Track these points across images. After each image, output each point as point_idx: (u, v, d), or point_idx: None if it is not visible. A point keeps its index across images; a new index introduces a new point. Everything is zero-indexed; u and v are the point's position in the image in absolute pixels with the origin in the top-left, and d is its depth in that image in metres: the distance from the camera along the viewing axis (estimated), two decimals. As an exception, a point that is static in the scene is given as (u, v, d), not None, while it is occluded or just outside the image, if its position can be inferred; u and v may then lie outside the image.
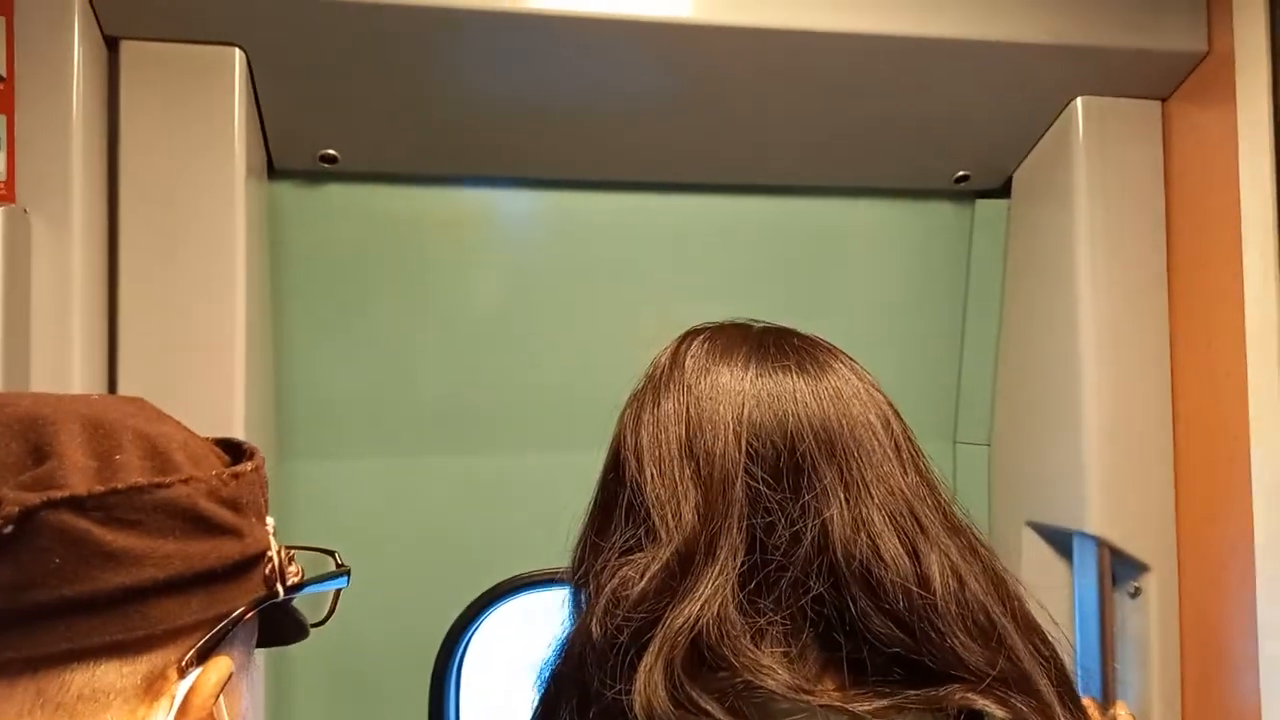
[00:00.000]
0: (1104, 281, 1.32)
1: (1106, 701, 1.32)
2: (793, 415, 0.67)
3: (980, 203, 1.54)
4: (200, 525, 0.53)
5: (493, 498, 1.43)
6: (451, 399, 1.42)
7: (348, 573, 0.72)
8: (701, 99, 1.29)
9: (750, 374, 0.69)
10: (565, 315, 1.45)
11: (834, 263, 1.53)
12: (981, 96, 1.33)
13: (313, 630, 0.76)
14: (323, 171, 1.31)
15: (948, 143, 1.43)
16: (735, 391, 0.68)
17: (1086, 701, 1.26)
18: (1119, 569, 1.35)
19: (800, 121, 1.35)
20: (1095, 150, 1.33)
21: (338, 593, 0.74)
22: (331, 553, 0.74)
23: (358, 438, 1.40)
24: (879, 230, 1.54)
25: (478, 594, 1.39)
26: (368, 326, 1.39)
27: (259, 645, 0.67)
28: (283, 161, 1.29)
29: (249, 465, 0.60)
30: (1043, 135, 1.39)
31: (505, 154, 1.36)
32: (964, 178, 1.48)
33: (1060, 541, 1.42)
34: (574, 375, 1.44)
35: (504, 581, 1.39)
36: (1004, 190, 1.51)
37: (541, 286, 1.45)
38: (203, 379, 1.08)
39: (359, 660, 1.39)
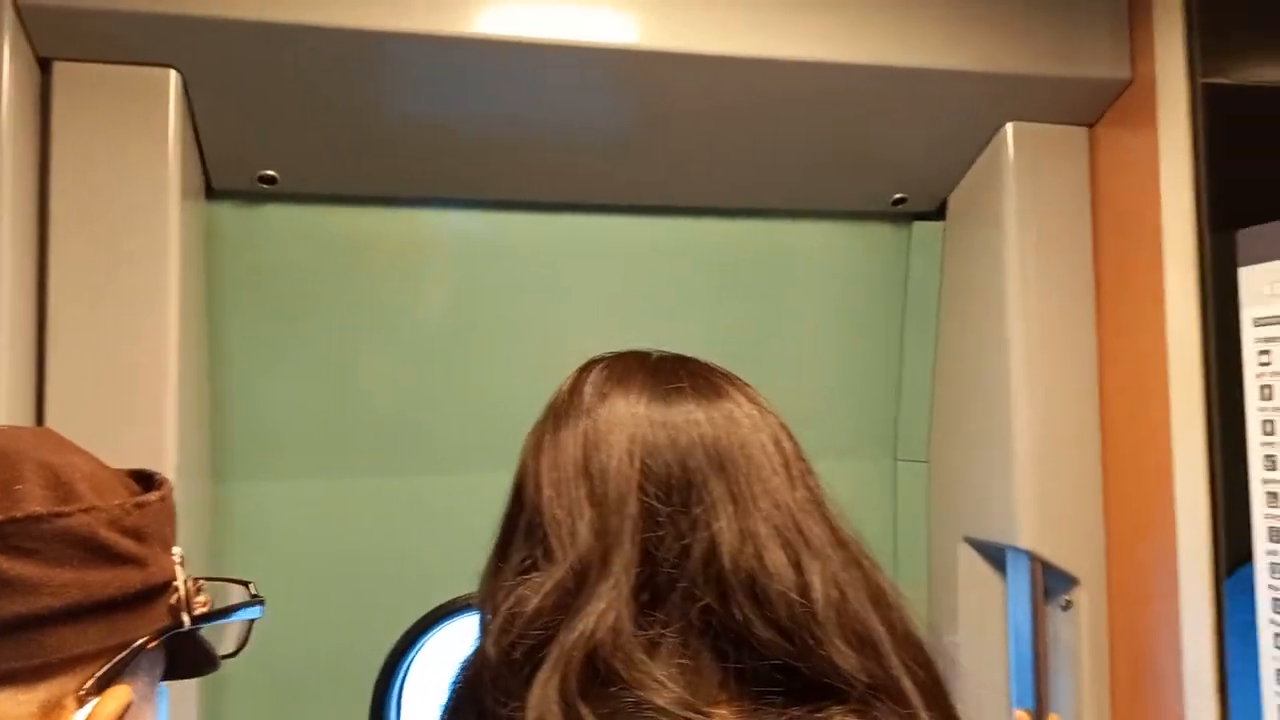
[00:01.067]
0: (1034, 302, 1.36)
1: (1039, 713, 1.35)
2: (685, 434, 0.69)
3: (917, 224, 1.57)
4: (100, 554, 0.53)
5: (435, 519, 1.43)
6: (393, 420, 1.42)
7: (261, 603, 0.72)
8: (643, 123, 1.31)
9: (645, 398, 0.71)
10: (507, 336, 1.46)
11: (776, 283, 1.56)
12: (917, 122, 1.36)
13: (241, 657, 0.76)
14: (262, 192, 1.31)
15: (885, 166, 1.46)
16: (630, 414, 0.70)
17: (1020, 714, 1.29)
18: (1051, 583, 1.38)
19: (742, 145, 1.37)
20: (1025, 174, 1.36)
21: (251, 623, 0.73)
22: (245, 583, 0.74)
23: (298, 459, 1.40)
24: (820, 251, 1.56)
25: (418, 617, 1.38)
26: (308, 347, 1.39)
27: (170, 677, 0.67)
28: (221, 182, 1.28)
29: (154, 495, 0.60)
30: (975, 160, 1.43)
31: (447, 176, 1.36)
32: (901, 200, 1.51)
33: (995, 556, 1.45)
34: (516, 396, 1.42)
35: (445, 604, 1.39)
36: (940, 213, 1.55)
37: (483, 308, 1.46)
38: (135, 402, 1.07)
39: (298, 684, 1.37)
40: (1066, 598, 1.38)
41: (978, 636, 1.46)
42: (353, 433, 1.41)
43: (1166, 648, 1.25)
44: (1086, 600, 1.36)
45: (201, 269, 1.27)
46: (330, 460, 1.40)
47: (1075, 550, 1.35)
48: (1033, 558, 1.35)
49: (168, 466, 1.07)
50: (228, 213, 1.32)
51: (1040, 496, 1.34)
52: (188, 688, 1.15)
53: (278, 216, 1.34)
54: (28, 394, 1.05)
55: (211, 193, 1.30)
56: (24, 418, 1.03)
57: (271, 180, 1.28)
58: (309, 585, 1.38)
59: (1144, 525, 1.30)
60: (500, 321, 1.46)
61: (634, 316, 1.51)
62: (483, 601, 0.70)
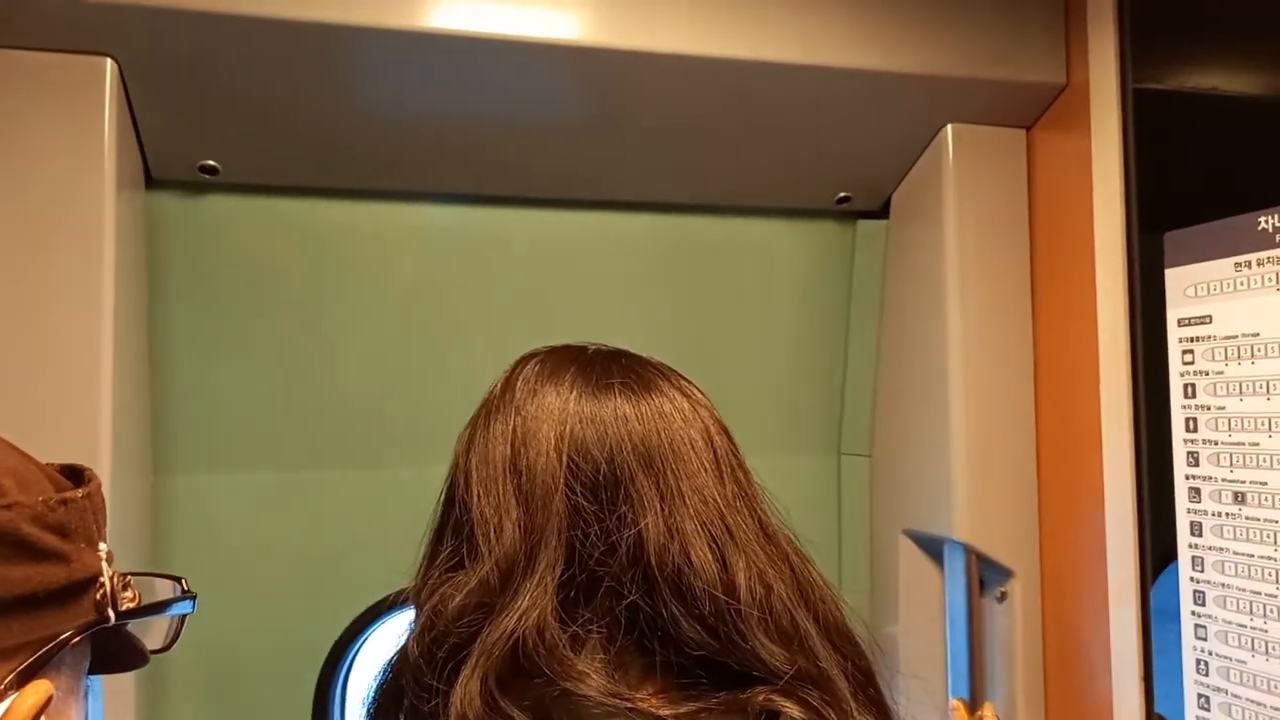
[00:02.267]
0: (972, 299, 1.39)
1: (974, 702, 1.39)
2: (613, 430, 0.69)
3: (861, 223, 1.59)
4: (22, 550, 0.53)
5: (381, 513, 1.43)
6: (339, 413, 1.41)
7: (192, 598, 0.71)
8: (591, 119, 1.32)
9: (574, 393, 0.71)
10: (453, 329, 1.46)
11: (722, 279, 1.57)
12: (860, 122, 1.38)
13: (183, 651, 0.75)
14: (203, 182, 1.29)
15: (830, 165, 1.48)
16: (559, 410, 0.70)
17: (954, 703, 1.32)
18: (986, 575, 1.42)
19: (690, 143, 1.39)
20: (964, 174, 1.39)
21: (182, 619, 0.73)
22: (178, 578, 0.73)
23: (243, 453, 1.39)
24: (766, 248, 1.58)
25: (361, 610, 1.38)
26: (252, 339, 1.38)
27: (98, 671, 0.66)
28: (161, 172, 1.27)
29: (80, 492, 0.60)
30: (917, 160, 1.46)
31: (394, 168, 1.36)
32: (845, 199, 1.53)
33: (933, 549, 1.48)
34: (464, 390, 1.43)
35: (389, 598, 1.38)
36: (884, 211, 1.57)
37: (430, 301, 1.46)
38: (68, 396, 1.05)
39: (240, 676, 1.37)
40: (1001, 589, 1.41)
41: (917, 627, 1.49)
42: (298, 426, 1.40)
43: (1096, 637, 1.28)
44: (1020, 591, 1.40)
45: (142, 260, 1.25)
46: (275, 454, 1.39)
47: (1010, 543, 1.39)
48: (968, 550, 1.39)
49: (102, 460, 1.06)
50: (169, 203, 1.30)
51: (976, 490, 1.37)
52: (125, 681, 1.14)
53: (220, 207, 1.33)
54: (-43, 386, 1.03)
55: (152, 183, 1.28)
56: (-46, 411, 1.02)
57: (213, 171, 1.27)
58: (253, 579, 1.37)
59: (1075, 519, 1.33)
60: (448, 315, 1.46)
61: (581, 310, 1.52)
62: (412, 598, 0.71)
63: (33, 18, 1.03)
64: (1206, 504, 1.12)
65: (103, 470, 1.06)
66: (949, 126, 1.39)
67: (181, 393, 1.35)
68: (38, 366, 1.06)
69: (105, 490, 1.06)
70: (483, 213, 1.47)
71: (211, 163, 1.26)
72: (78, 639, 0.58)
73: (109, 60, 1.09)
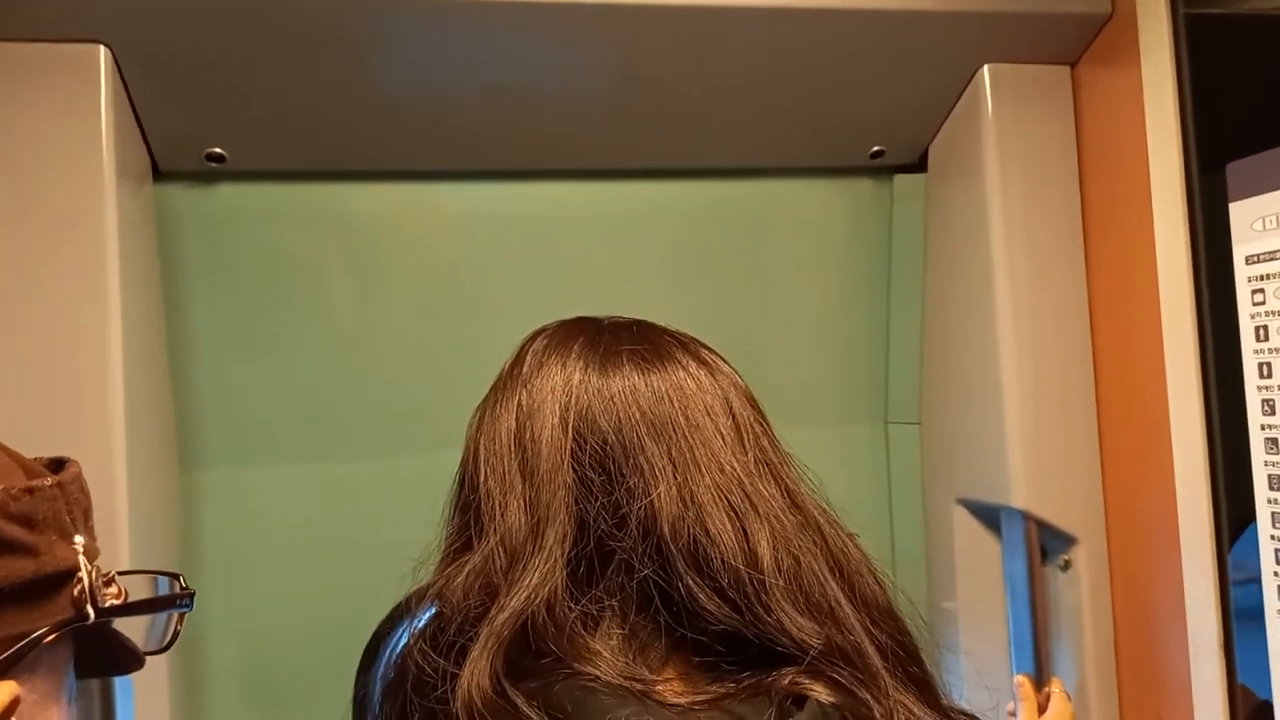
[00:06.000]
0: (1020, 253, 1.30)
1: (1041, 678, 1.31)
2: (620, 401, 0.67)
3: (898, 178, 1.51)
4: None
5: (415, 501, 1.39)
6: (368, 401, 1.39)
7: (190, 595, 0.68)
8: (615, 84, 1.26)
9: (581, 365, 0.69)
10: (484, 311, 1.42)
11: (756, 245, 1.51)
12: (889, 69, 1.30)
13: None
14: (211, 171, 1.26)
15: (860, 118, 1.40)
16: (564, 382, 0.68)
17: (1020, 679, 1.25)
18: (1048, 543, 1.34)
19: (716, 103, 1.32)
20: (1005, 119, 1.30)
21: (182, 617, 0.70)
22: (175, 576, 0.71)
23: (273, 445, 1.36)
24: (799, 210, 1.51)
25: (398, 600, 1.35)
26: (274, 329, 1.35)
27: (88, 674, 0.64)
28: (168, 163, 1.24)
29: (48, 480, 0.56)
30: (953, 107, 1.37)
31: (406, 147, 1.32)
32: (879, 153, 1.45)
33: (990, 518, 1.40)
34: (492, 371, 1.40)
35: (425, 585, 1.35)
36: (921, 164, 1.49)
37: (458, 283, 1.42)
38: (76, 392, 1.03)
39: (278, 670, 1.35)
40: (1065, 558, 1.33)
41: (976, 601, 1.41)
42: (327, 416, 1.37)
43: (1169, 605, 1.20)
44: (1086, 559, 1.31)
45: (153, 253, 1.23)
46: (305, 444, 1.37)
47: (1072, 508, 1.30)
48: (1027, 517, 1.31)
49: (117, 459, 1.04)
50: (177, 194, 1.28)
51: (1033, 454, 1.29)
52: (159, 677, 1.13)
53: (230, 196, 1.30)
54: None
55: (160, 175, 1.26)
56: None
57: (220, 158, 1.24)
58: (288, 573, 1.36)
59: (1142, 478, 1.25)
60: (476, 296, 1.42)
61: (612, 284, 1.47)
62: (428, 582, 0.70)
63: (16, 6, 1.01)
64: (1286, 456, 1.03)
65: (118, 469, 1.04)
66: (986, 68, 1.30)
67: (206, 387, 1.33)
68: (46, 366, 1.04)
69: (121, 488, 1.05)
70: (504, 189, 1.43)
71: (218, 150, 1.23)
72: (52, 637, 0.55)
73: (102, 47, 1.06)
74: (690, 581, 0.61)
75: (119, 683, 1.08)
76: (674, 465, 0.65)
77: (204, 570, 1.32)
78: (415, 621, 0.69)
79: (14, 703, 0.52)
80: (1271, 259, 1.02)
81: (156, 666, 1.08)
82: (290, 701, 1.36)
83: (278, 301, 1.35)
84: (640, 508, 0.63)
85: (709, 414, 0.68)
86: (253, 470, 1.35)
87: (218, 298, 1.33)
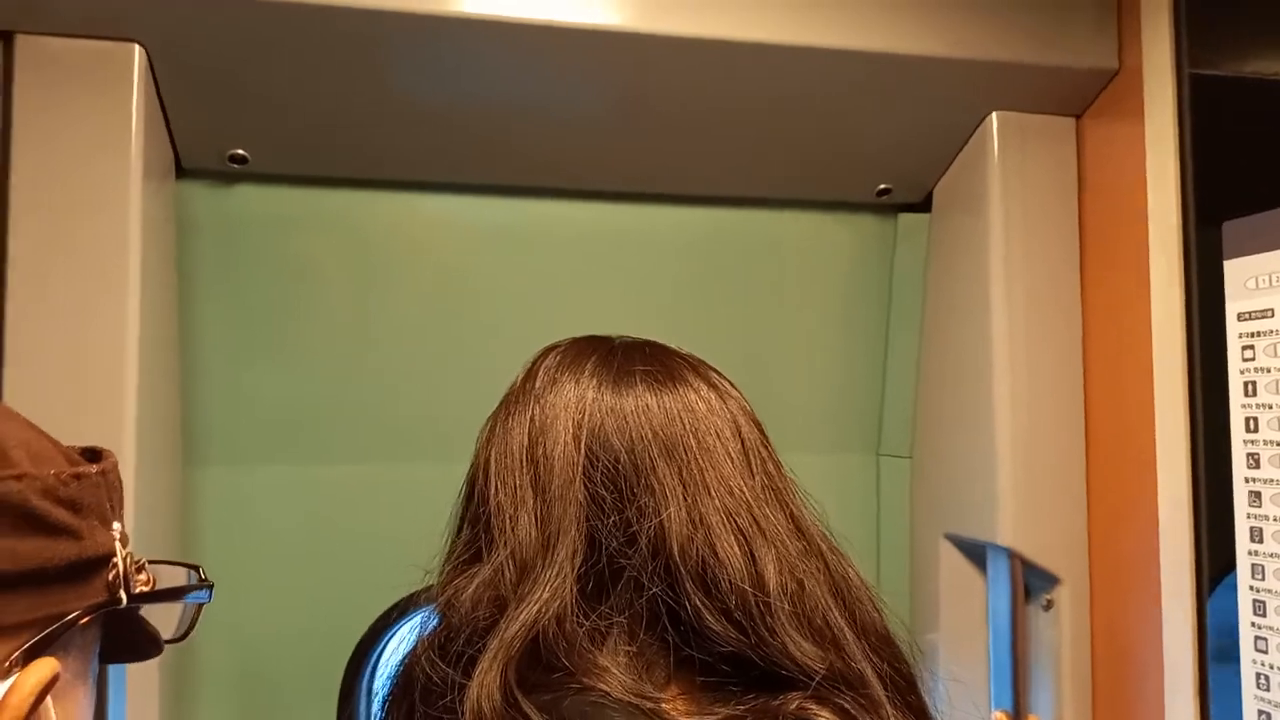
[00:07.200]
0: (1018, 295, 1.33)
1: (1018, 713, 1.33)
2: (633, 420, 0.68)
3: (903, 216, 1.54)
4: (31, 523, 0.52)
5: (412, 506, 1.40)
6: (372, 405, 1.40)
7: (209, 587, 0.70)
8: (628, 108, 1.29)
9: (594, 383, 0.70)
10: (486, 322, 1.44)
11: (760, 274, 1.53)
12: (901, 110, 1.34)
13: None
14: (233, 172, 1.29)
15: (869, 156, 1.43)
16: (577, 399, 0.69)
17: (998, 715, 1.27)
18: (1032, 581, 1.36)
19: (726, 133, 1.35)
20: (1010, 165, 1.34)
21: (199, 608, 0.71)
22: (195, 567, 0.72)
23: (276, 445, 1.38)
24: (804, 242, 1.54)
25: (389, 605, 1.36)
26: (283, 331, 1.37)
27: (111, 659, 0.65)
28: (191, 161, 1.26)
29: (94, 468, 0.58)
30: (961, 150, 1.41)
31: (423, 158, 1.34)
32: (886, 191, 1.49)
33: (976, 554, 1.43)
34: (496, 383, 1.41)
35: (416, 591, 1.36)
36: (926, 204, 1.52)
37: (464, 293, 1.44)
38: (93, 386, 1.05)
39: (267, 668, 1.36)
40: (1048, 597, 1.35)
41: (958, 635, 1.44)
42: (331, 419, 1.39)
43: (1148, 648, 1.22)
44: (1068, 599, 1.33)
45: (172, 250, 1.25)
46: (308, 446, 1.38)
47: (1057, 549, 1.33)
48: (1013, 555, 1.33)
49: (126, 452, 1.05)
50: (199, 193, 1.30)
51: (1022, 493, 1.31)
52: (150, 671, 1.13)
53: (250, 197, 1.32)
54: (-17, 373, 1.03)
55: (182, 173, 1.28)
56: (-20, 398, 1.01)
57: (242, 160, 1.26)
58: (283, 572, 1.36)
59: (1127, 523, 1.27)
60: (483, 307, 1.44)
61: (617, 305, 1.49)
62: (435, 593, 0.70)
63: (59, 4, 1.03)
64: (1268, 508, 1.06)
65: (127, 462, 1.05)
66: (994, 114, 1.34)
67: (213, 385, 1.34)
68: (63, 357, 1.05)
69: (129, 481, 1.07)
70: (515, 205, 1.45)
71: (241, 152, 1.25)
72: (86, 619, 0.57)
73: (137, 46, 1.08)
74: (698, 601, 0.62)
75: (111, 679, 1.09)
76: (684, 486, 0.66)
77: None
78: (421, 630, 0.69)
79: (54, 679, 0.53)
80: (1263, 317, 1.06)
81: (148, 663, 1.09)
82: (279, 701, 1.36)
83: (288, 303, 1.37)
84: (650, 527, 0.64)
85: (719, 437, 0.69)
86: (253, 469, 1.36)
87: (229, 295, 1.34)
